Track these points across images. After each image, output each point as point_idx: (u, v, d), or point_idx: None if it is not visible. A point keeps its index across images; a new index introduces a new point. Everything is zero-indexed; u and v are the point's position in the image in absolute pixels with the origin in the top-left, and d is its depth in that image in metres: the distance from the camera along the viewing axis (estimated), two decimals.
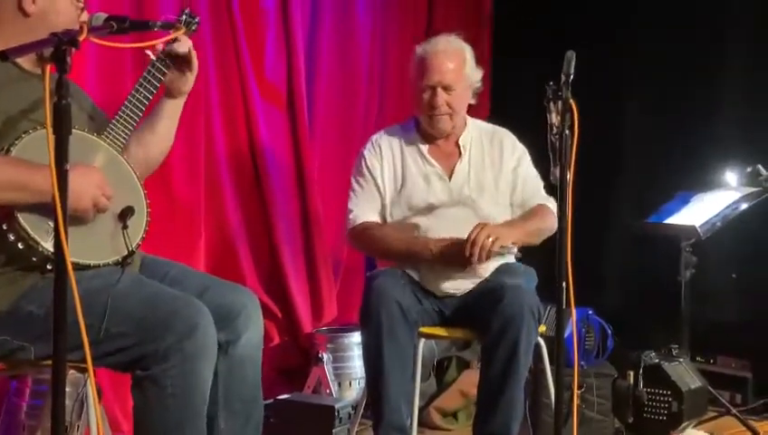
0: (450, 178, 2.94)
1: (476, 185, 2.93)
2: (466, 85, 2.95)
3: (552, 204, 2.95)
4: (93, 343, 1.90)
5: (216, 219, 3.62)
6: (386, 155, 2.98)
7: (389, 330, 2.64)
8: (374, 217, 2.93)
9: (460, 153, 2.97)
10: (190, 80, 2.34)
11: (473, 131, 3.02)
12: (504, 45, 4.92)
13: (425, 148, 2.97)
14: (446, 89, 2.88)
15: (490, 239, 2.68)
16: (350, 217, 2.94)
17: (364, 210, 2.92)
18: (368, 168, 2.97)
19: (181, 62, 2.29)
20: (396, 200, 2.94)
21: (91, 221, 2.08)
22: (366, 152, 3.00)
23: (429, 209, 2.89)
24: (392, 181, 2.95)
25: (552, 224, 2.91)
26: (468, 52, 2.98)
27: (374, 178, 2.95)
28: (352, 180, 3.00)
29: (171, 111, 2.36)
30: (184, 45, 2.27)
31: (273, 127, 3.84)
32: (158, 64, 2.25)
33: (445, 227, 2.85)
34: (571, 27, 4.40)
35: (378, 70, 4.34)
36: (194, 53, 2.30)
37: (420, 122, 2.99)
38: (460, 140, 2.99)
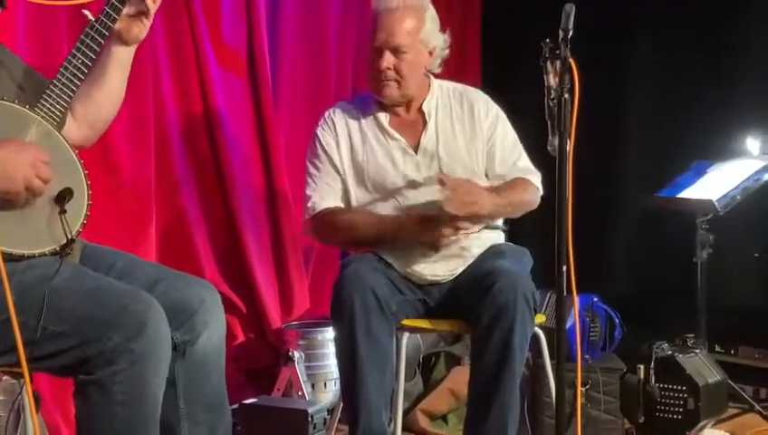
0: (416, 150, 2.93)
1: (447, 156, 2.92)
2: (422, 49, 2.90)
3: (536, 177, 2.96)
4: (29, 345, 1.90)
5: (168, 202, 3.60)
6: (341, 131, 2.95)
7: (365, 323, 2.63)
8: (336, 203, 2.91)
9: (425, 121, 2.95)
10: (146, 25, 2.34)
11: (438, 95, 2.99)
12: (497, 3, 4.92)
13: (384, 118, 2.95)
14: (395, 51, 2.84)
15: (473, 199, 2.70)
16: (309, 204, 2.92)
17: (323, 196, 2.91)
18: (322, 147, 2.95)
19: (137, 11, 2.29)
20: (358, 182, 2.92)
21: (24, 205, 2.06)
22: (319, 130, 2.98)
23: (400, 189, 2.88)
24: (350, 160, 2.94)
25: (534, 197, 2.94)
26: (429, 11, 2.92)
27: (330, 159, 2.93)
28: (307, 163, 2.97)
29: (124, 60, 2.36)
30: None
31: (233, 96, 3.83)
32: (97, 26, 2.23)
33: (419, 209, 2.84)
34: None
35: (352, 31, 4.33)
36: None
37: None
38: (423, 105, 2.96)
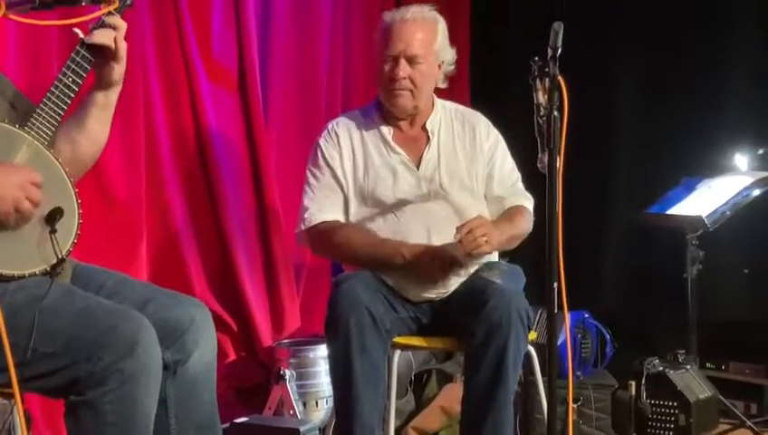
0: (418, 166, 2.94)
1: (448, 174, 2.93)
2: (434, 62, 2.94)
3: (529, 203, 3.00)
4: (19, 365, 1.88)
5: (159, 220, 3.59)
6: (344, 144, 2.97)
7: (360, 341, 2.63)
8: (334, 216, 2.92)
9: (428, 138, 2.97)
10: (117, 69, 2.27)
11: (442, 114, 3.02)
12: (486, 20, 4.94)
13: (388, 133, 2.97)
14: (411, 61, 2.88)
15: (485, 238, 2.68)
16: (305, 215, 2.92)
17: (321, 208, 2.91)
18: (325, 158, 2.95)
19: (103, 53, 2.23)
20: (358, 195, 2.93)
21: (14, 226, 2.05)
22: (322, 141, 2.99)
23: (399, 205, 2.89)
24: (353, 173, 2.94)
25: (527, 228, 2.97)
26: (441, 25, 2.97)
27: (333, 170, 2.94)
28: (307, 173, 2.98)
29: (102, 103, 2.30)
30: (103, 36, 2.20)
31: (223, 113, 3.82)
32: (88, 44, 2.22)
33: (418, 225, 2.85)
34: None
35: (341, 49, 4.34)
36: (120, 44, 2.22)
37: (382, 103, 2.98)
38: (427, 123, 2.98)
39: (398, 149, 2.95)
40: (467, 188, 2.94)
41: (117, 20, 2.23)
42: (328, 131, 3.01)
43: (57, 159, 2.18)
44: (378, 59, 2.94)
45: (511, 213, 2.95)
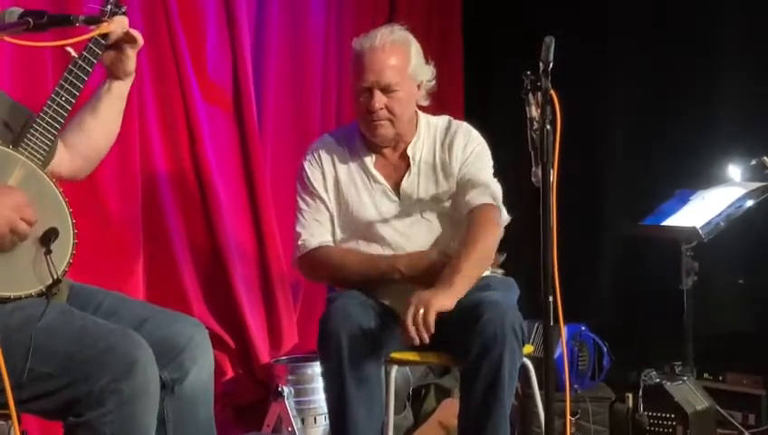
0: (399, 195, 2.90)
1: (428, 200, 2.89)
2: (411, 85, 2.86)
3: (492, 199, 2.84)
4: (17, 387, 1.88)
5: (155, 239, 3.59)
6: (327, 167, 2.93)
7: (352, 358, 2.61)
8: (326, 239, 2.90)
9: (408, 165, 2.92)
10: (133, 57, 2.35)
11: (425, 136, 2.95)
12: (478, 36, 4.95)
13: (370, 160, 2.92)
14: (385, 90, 2.80)
15: (421, 312, 2.54)
16: (299, 242, 2.89)
17: (314, 232, 2.89)
18: (310, 182, 2.92)
19: (120, 44, 2.31)
20: (341, 220, 2.91)
21: (9, 248, 2.05)
22: (306, 165, 2.95)
23: (380, 232, 2.87)
24: (336, 199, 2.92)
25: (495, 235, 2.82)
26: (414, 45, 2.88)
27: (318, 194, 2.91)
28: (297, 199, 2.95)
29: (117, 91, 2.38)
30: (117, 29, 2.28)
31: (218, 133, 3.83)
32: (80, 63, 2.24)
33: (399, 253, 2.83)
34: (552, 11, 4.44)
35: (334, 68, 4.35)
36: (134, 32, 2.33)
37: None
38: (408, 149, 2.92)
39: (379, 178, 2.91)
40: (446, 214, 2.90)
41: (119, 22, 2.29)
42: (311, 153, 2.96)
43: (51, 179, 2.19)
44: (352, 90, 2.87)
45: (464, 244, 2.75)
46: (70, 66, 2.24)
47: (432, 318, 2.54)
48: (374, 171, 2.91)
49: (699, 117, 4.24)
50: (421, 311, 2.54)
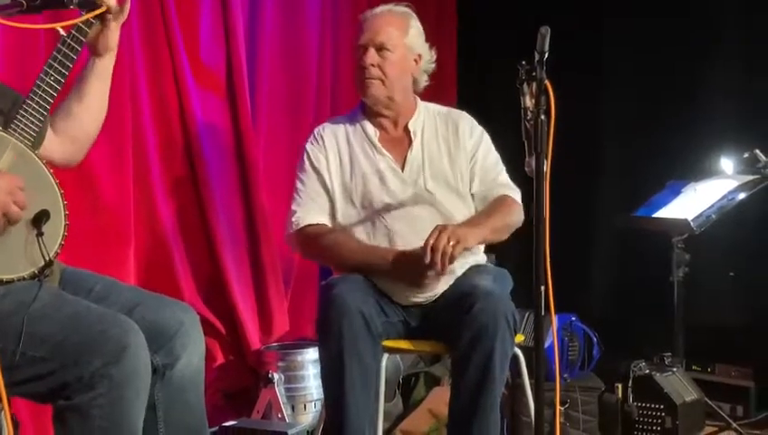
0: (403, 168, 2.95)
1: (433, 175, 2.94)
2: (407, 54, 2.96)
3: (515, 193, 2.98)
4: (7, 370, 1.88)
5: (147, 223, 3.58)
6: (330, 147, 2.98)
7: (352, 345, 2.63)
8: (321, 219, 2.92)
9: (410, 140, 2.98)
10: (115, 31, 2.33)
11: (424, 115, 3.03)
12: (473, 24, 4.95)
13: (374, 135, 2.98)
14: (379, 49, 2.91)
15: (451, 243, 2.67)
16: (293, 218, 2.93)
17: (309, 211, 2.92)
18: (311, 162, 2.97)
19: (104, 14, 2.28)
20: (346, 198, 2.94)
21: (1, 231, 2.04)
22: (308, 146, 3.01)
23: (387, 208, 2.89)
24: (340, 176, 2.96)
25: (518, 217, 2.96)
26: (414, 21, 3.00)
27: (319, 175, 2.95)
28: (296, 180, 3.00)
29: (100, 69, 2.36)
30: (112, 2, 2.26)
31: (211, 116, 3.82)
32: (69, 41, 2.22)
33: (406, 229, 2.85)
34: (547, 1, 4.44)
35: (329, 50, 4.34)
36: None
37: (365, 103, 3.00)
38: (409, 124, 3.00)
39: (384, 151, 2.96)
40: (452, 188, 2.94)
41: None
42: (314, 135, 3.03)
43: (42, 161, 2.18)
44: (352, 54, 3.00)
45: (491, 206, 2.94)
46: (58, 45, 2.23)
47: (459, 252, 2.67)
48: (379, 145, 2.97)
49: (692, 109, 4.25)
50: (447, 238, 2.64)
